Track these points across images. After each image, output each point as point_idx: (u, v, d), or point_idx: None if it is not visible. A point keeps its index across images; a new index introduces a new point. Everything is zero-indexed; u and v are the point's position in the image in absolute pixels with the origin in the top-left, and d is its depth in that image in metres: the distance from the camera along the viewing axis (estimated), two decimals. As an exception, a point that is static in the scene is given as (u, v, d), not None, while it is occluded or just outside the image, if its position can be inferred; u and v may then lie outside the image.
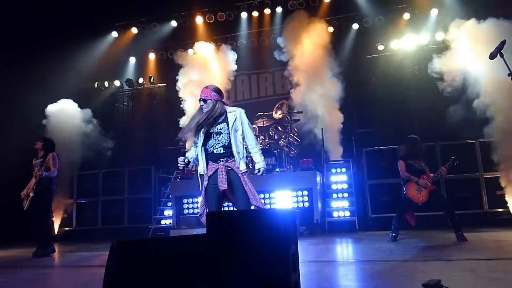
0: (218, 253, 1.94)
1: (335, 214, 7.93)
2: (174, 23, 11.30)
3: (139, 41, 11.74)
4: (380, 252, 4.94)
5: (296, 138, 8.90)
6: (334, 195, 8.17)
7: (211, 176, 3.62)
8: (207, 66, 10.29)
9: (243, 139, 3.72)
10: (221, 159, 3.61)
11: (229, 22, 10.91)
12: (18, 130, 8.99)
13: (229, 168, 3.60)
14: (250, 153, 3.88)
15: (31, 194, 5.86)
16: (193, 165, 3.94)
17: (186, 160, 3.75)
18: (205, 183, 3.65)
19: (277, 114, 9.10)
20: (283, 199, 7.84)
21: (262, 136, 8.70)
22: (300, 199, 7.81)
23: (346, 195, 8.10)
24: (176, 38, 11.29)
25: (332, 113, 9.31)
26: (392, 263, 4.10)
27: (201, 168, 3.69)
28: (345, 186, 8.21)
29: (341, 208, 7.98)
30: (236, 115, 3.71)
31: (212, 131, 3.66)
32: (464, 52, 7.70)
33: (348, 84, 9.56)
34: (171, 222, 8.56)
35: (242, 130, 3.70)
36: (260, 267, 1.90)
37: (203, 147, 3.68)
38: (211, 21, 10.92)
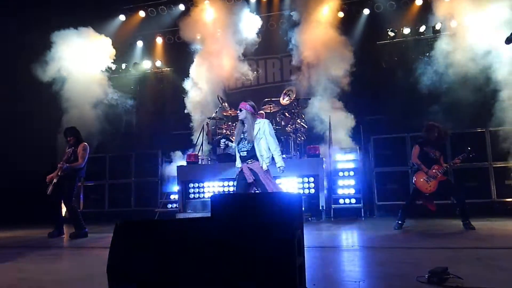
0: (222, 235, 1.92)
1: (341, 201, 7.90)
2: (182, 7, 11.19)
3: (147, 24, 11.68)
4: (386, 239, 4.92)
5: (303, 125, 8.83)
6: (341, 182, 8.13)
7: (240, 172, 4.84)
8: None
9: (268, 144, 4.76)
10: (245, 160, 4.79)
11: (237, 6, 10.74)
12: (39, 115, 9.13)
13: (250, 168, 4.73)
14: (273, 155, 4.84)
15: (54, 180, 5.98)
16: (229, 150, 4.96)
17: (227, 143, 4.83)
18: (237, 176, 4.90)
19: (285, 100, 9.01)
20: (289, 186, 7.82)
21: (269, 122, 8.65)
22: (306, 185, 7.78)
23: (352, 182, 8.05)
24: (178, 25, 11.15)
25: (340, 100, 9.21)
26: (398, 250, 4.09)
27: (237, 163, 4.88)
28: (351, 173, 8.15)
29: (347, 195, 7.94)
30: (260, 126, 4.78)
31: (242, 137, 4.85)
32: (479, 35, 7.52)
33: (357, 70, 9.41)
34: (177, 206, 8.60)
35: (265, 138, 4.75)
36: (265, 250, 1.88)
37: (237, 148, 4.87)
38: (219, 5, 10.74)
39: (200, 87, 10.05)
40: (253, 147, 4.74)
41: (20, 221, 8.75)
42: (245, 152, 4.80)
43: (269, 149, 4.76)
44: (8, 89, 9.50)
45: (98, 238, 6.01)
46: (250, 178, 4.71)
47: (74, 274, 3.37)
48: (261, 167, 4.69)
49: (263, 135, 4.77)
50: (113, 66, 11.28)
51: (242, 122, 4.87)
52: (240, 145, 4.85)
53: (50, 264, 3.93)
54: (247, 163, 4.78)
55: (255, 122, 4.80)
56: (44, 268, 3.70)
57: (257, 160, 4.74)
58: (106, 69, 10.88)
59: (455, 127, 8.03)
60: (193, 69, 10.21)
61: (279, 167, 4.79)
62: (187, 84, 10.20)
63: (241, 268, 1.87)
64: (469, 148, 5.54)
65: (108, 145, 10.24)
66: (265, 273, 1.85)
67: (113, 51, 10.77)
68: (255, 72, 10.83)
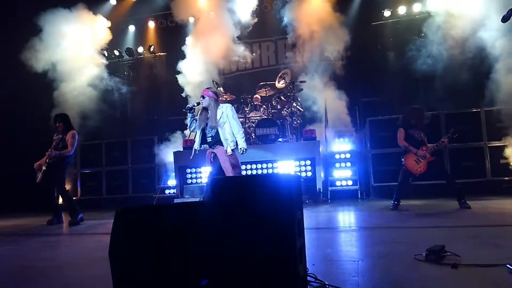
0: (221, 218, 1.93)
1: (338, 183, 7.96)
2: (173, -12, 10.97)
3: (138, 8, 11.47)
4: (382, 219, 4.98)
5: (299, 108, 8.81)
6: (337, 165, 8.17)
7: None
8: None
9: (231, 127, 4.86)
10: (210, 145, 4.94)
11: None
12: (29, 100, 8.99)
13: (213, 154, 4.90)
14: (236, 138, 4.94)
15: (43, 168, 5.95)
16: (191, 118, 5.00)
17: (191, 110, 4.91)
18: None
19: (280, 84, 8.97)
20: (286, 169, 7.86)
21: (264, 106, 8.61)
22: (303, 168, 7.82)
23: (349, 164, 8.10)
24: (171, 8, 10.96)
25: (335, 83, 9.17)
26: (395, 230, 4.14)
27: (196, 145, 5.02)
28: (348, 155, 8.19)
29: (343, 177, 7.99)
30: (223, 110, 4.88)
31: (207, 122, 4.90)
32: (472, 13, 7.48)
33: (352, 52, 9.36)
34: (175, 192, 8.63)
35: (229, 121, 4.84)
36: (264, 232, 1.88)
37: (202, 132, 4.96)
38: (212, -13, 10.55)
39: (194, 72, 9.94)
40: (217, 132, 4.85)
41: (20, 210, 8.76)
42: (210, 138, 4.92)
43: (233, 132, 4.87)
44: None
45: (97, 225, 6.04)
46: (208, 163, 4.96)
47: (76, 260, 3.39)
48: (225, 151, 4.79)
49: (227, 119, 4.86)
50: (106, 52, 11.10)
51: (206, 109, 4.93)
52: (206, 131, 4.96)
53: (51, 251, 3.95)
54: (212, 149, 4.92)
55: (218, 107, 4.90)
56: (45, 255, 3.72)
57: (222, 145, 4.85)
58: (99, 53, 10.68)
59: (450, 108, 8.07)
60: (187, 53, 10.09)
61: (240, 149, 4.89)
62: (181, 69, 10.09)
63: (241, 251, 1.89)
64: (452, 129, 5.63)
65: (104, 132, 10.18)
66: (266, 254, 1.86)
67: (109, 33, 10.57)
68: (253, 54, 10.67)
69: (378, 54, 9.81)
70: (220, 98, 8.95)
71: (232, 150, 4.83)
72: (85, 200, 9.85)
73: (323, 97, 8.91)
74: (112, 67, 11.49)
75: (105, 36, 10.55)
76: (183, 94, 9.97)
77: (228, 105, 5.00)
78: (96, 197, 9.86)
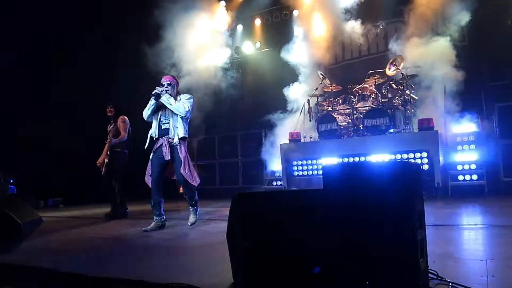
0: (337, 205, 1.90)
1: (460, 177, 7.18)
2: (278, -15, 11.16)
3: (245, 7, 11.90)
4: (517, 218, 4.37)
5: (413, 96, 8.18)
6: (459, 157, 7.38)
7: (156, 150, 4.66)
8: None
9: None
10: (165, 135, 4.64)
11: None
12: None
13: (171, 143, 4.61)
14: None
15: (106, 160, 6.10)
16: (154, 106, 4.70)
17: (158, 98, 4.61)
18: (152, 155, 4.71)
19: (391, 71, 8.43)
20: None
21: (373, 96, 8.20)
22: (419, 161, 7.23)
23: (473, 156, 7.25)
24: (280, 1, 11.14)
25: (456, 65, 8.24)
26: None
27: (153, 131, 4.74)
28: (472, 146, 7.34)
29: (467, 170, 7.18)
30: (181, 97, 4.71)
31: (166, 110, 4.70)
32: None
33: (476, 29, 8.30)
34: (281, 183, 8.80)
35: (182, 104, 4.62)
36: (382, 222, 1.80)
37: (157, 119, 4.71)
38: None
39: (301, 63, 9.98)
40: (170, 119, 4.66)
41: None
42: (167, 125, 4.67)
43: (184, 123, 4.64)
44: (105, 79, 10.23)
45: (214, 211, 6.53)
46: (167, 156, 4.58)
47: (197, 242, 3.71)
48: (174, 139, 4.58)
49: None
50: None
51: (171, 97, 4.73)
52: (161, 117, 4.72)
53: (170, 233, 4.39)
54: (168, 138, 4.64)
55: (178, 95, 4.75)
56: (169, 236, 4.14)
57: (173, 133, 4.62)
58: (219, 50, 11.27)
59: None
60: (294, 46, 10.15)
61: (158, 93, 4.59)
62: (289, 61, 10.19)
63: (358, 240, 1.83)
64: None
65: (217, 126, 10.91)
66: (384, 245, 1.78)
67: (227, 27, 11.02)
68: (372, 31, 10.12)
69: (507, 31, 8.53)
70: (326, 90, 8.98)
71: (181, 141, 4.59)
72: (201, 190, 10.65)
73: (441, 82, 8.09)
74: (223, 66, 12.16)
75: (225, 31, 11.05)
76: (287, 90, 10.04)
77: (189, 95, 4.82)
78: (210, 187, 10.64)
